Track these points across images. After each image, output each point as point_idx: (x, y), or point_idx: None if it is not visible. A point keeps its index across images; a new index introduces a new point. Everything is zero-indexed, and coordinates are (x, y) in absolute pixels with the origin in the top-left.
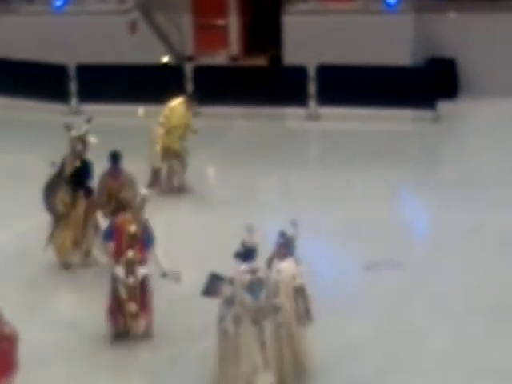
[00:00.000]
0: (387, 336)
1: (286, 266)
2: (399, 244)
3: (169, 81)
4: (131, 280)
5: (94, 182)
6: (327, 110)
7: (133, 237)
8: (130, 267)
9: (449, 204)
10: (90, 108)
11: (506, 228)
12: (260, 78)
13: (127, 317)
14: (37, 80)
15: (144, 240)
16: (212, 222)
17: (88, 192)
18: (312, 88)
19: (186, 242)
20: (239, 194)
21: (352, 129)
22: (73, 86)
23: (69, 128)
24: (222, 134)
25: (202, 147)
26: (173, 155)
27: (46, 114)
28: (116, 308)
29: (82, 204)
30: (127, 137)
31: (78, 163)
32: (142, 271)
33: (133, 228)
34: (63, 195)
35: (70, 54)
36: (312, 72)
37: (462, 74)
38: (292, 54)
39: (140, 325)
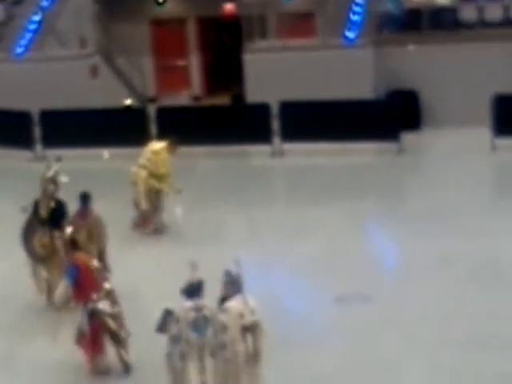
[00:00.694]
0: (357, 370)
1: (233, 304)
2: (368, 277)
3: (132, 123)
4: (117, 309)
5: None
6: (291, 146)
7: (98, 270)
8: (112, 297)
9: (416, 235)
10: (55, 153)
11: (473, 257)
12: (223, 117)
13: (122, 344)
14: (0, 127)
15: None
16: (180, 259)
17: (63, 232)
18: (275, 125)
19: (157, 278)
20: (206, 233)
21: (317, 164)
22: (37, 132)
23: (48, 166)
24: (186, 172)
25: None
26: (154, 194)
27: (11, 160)
28: (102, 344)
29: (59, 245)
30: (94, 180)
31: (52, 204)
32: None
33: (94, 262)
34: (41, 237)
35: (33, 100)
36: (275, 109)
37: (424, 105)
38: (254, 92)
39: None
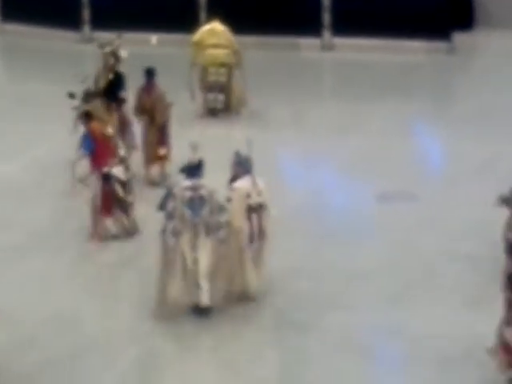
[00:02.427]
0: (397, 268)
1: (241, 184)
2: (412, 176)
3: (182, 9)
4: (128, 175)
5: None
6: (342, 41)
7: (113, 137)
8: (126, 164)
9: (464, 137)
10: (103, 35)
11: None
12: (274, 7)
13: (127, 210)
14: (49, 7)
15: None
16: (230, 140)
17: (121, 103)
18: (326, 18)
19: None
20: (253, 123)
21: (366, 59)
22: (85, 13)
23: (102, 45)
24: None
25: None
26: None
27: (58, 41)
28: (111, 208)
29: (115, 115)
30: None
31: (111, 76)
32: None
33: (109, 129)
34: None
35: None
36: (326, 1)
37: (477, 4)
38: None
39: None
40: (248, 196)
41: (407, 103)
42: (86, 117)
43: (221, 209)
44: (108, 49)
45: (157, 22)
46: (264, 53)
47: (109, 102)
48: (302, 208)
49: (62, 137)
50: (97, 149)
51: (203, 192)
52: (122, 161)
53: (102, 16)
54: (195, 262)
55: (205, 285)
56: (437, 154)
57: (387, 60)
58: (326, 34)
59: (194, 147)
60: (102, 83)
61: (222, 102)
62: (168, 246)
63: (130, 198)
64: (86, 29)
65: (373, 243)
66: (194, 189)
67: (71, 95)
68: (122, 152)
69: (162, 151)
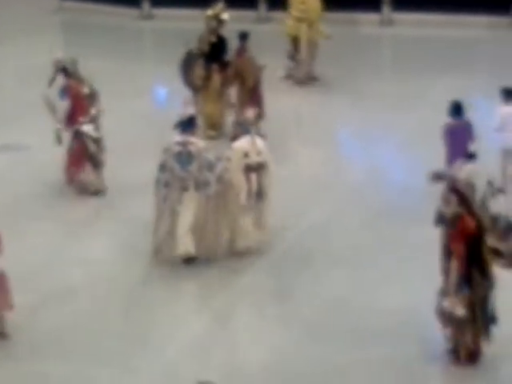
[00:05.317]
0: None
1: (240, 143)
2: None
3: None
4: (99, 134)
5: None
6: (401, 16)
7: (88, 96)
8: (96, 123)
9: None
10: (162, 12)
11: None
12: None
13: (97, 167)
14: None
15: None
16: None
17: (223, 66)
18: None
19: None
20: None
21: (425, 35)
22: None
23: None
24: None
25: (268, 54)
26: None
27: (118, 18)
28: (83, 162)
29: (216, 77)
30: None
31: (213, 38)
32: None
33: (85, 89)
34: (199, 70)
35: None
36: None
37: None
38: None
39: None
40: (246, 155)
41: (468, 78)
42: (65, 72)
43: (210, 166)
44: (210, 12)
45: None
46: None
47: (211, 63)
48: (362, 183)
49: (121, 114)
50: (71, 106)
51: (192, 148)
52: (93, 120)
53: None
54: (183, 213)
55: (184, 235)
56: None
57: (447, 35)
58: (386, 9)
59: (186, 103)
60: (205, 46)
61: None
62: (160, 197)
63: (101, 156)
64: (146, 5)
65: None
66: (183, 144)
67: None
68: (93, 111)
69: (248, 112)
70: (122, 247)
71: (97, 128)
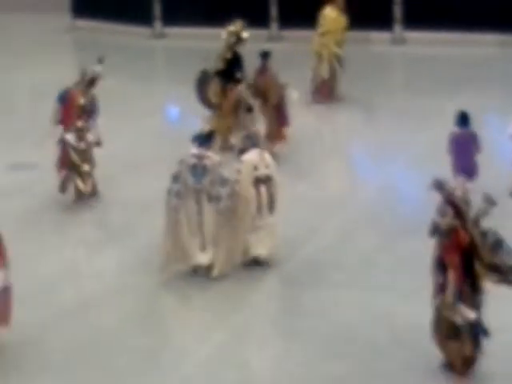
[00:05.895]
0: None
1: (249, 156)
2: (485, 172)
3: (253, 3)
4: (82, 145)
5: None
6: (413, 34)
7: (81, 108)
8: (80, 134)
9: None
10: (174, 31)
11: None
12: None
13: (82, 177)
14: (120, 2)
15: (91, 111)
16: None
17: (235, 83)
18: (397, 11)
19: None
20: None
21: (438, 53)
22: (157, 9)
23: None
24: (303, 58)
25: (283, 72)
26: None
27: (130, 37)
28: (65, 169)
29: (232, 94)
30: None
31: (229, 55)
32: (91, 137)
33: (82, 100)
34: (215, 87)
35: None
36: None
37: None
38: None
39: (89, 184)
40: (255, 168)
41: (480, 97)
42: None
43: (223, 181)
44: (232, 28)
45: (229, 16)
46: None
47: (226, 81)
48: (375, 202)
49: (133, 133)
50: (64, 113)
51: (207, 162)
52: (78, 130)
53: (173, 11)
54: (200, 224)
55: (208, 246)
56: (507, 150)
57: (459, 54)
58: (397, 28)
59: (205, 119)
60: (221, 62)
61: None
62: (171, 207)
63: (85, 167)
64: (158, 24)
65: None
66: (199, 157)
67: (100, 60)
68: (79, 124)
69: (286, 131)
70: (134, 260)
71: (81, 139)
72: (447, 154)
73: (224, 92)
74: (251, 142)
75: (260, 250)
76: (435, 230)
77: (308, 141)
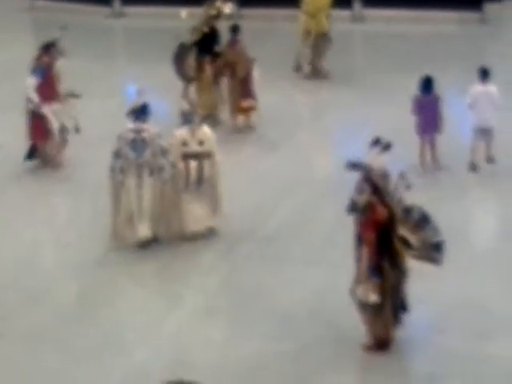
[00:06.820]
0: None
1: (179, 132)
2: (447, 146)
3: None
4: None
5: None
6: (372, 12)
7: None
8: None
9: None
10: (133, 10)
11: None
12: None
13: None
14: None
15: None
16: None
17: (214, 57)
18: None
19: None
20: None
21: (397, 31)
22: None
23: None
24: (265, 36)
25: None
26: (321, 37)
27: (89, 16)
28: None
29: (209, 68)
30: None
31: (206, 29)
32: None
33: (56, 65)
34: (192, 61)
35: None
36: None
37: None
38: None
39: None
40: (185, 144)
41: (439, 74)
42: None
43: (163, 151)
44: (216, 3)
45: None
46: (294, 25)
47: (203, 55)
48: (337, 178)
49: (92, 113)
50: (45, 85)
51: (145, 135)
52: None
53: None
54: (140, 198)
55: (146, 220)
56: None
57: (418, 31)
58: (357, 6)
59: (140, 93)
60: (197, 36)
61: None
62: (117, 183)
63: (61, 138)
64: (117, 3)
65: None
66: (136, 131)
67: (63, 27)
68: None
69: (244, 103)
70: (80, 232)
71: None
72: (413, 134)
73: (201, 66)
74: (184, 118)
75: (197, 226)
76: (353, 208)
77: (276, 117)
